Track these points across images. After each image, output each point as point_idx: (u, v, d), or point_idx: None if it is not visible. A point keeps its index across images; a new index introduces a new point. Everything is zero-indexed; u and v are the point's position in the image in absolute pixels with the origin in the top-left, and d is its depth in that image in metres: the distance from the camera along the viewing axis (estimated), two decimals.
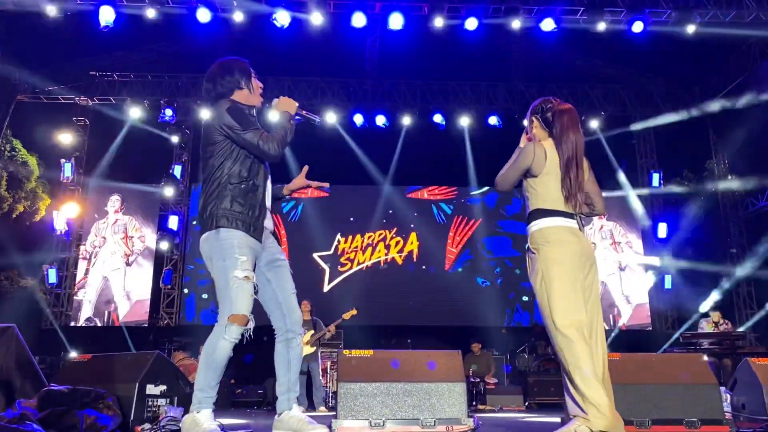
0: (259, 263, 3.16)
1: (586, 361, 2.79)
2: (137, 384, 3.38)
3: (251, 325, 2.95)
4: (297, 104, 3.25)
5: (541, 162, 3.03)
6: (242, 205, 3.04)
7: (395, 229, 13.74)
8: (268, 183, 3.23)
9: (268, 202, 3.21)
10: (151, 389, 3.44)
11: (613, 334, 12.46)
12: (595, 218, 13.48)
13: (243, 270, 2.95)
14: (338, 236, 13.59)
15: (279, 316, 3.17)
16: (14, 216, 12.85)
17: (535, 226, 3.05)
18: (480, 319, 12.66)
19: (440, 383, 3.28)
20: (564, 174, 3.01)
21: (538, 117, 3.18)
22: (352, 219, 13.76)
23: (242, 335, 2.95)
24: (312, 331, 8.59)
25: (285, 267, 3.23)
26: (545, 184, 3.05)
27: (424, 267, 13.54)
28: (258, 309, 3.03)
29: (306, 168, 3.48)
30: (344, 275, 13.37)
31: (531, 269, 3.06)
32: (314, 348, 8.62)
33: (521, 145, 3.23)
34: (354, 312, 8.71)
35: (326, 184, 3.57)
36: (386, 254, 13.58)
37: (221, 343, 2.91)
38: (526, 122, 3.30)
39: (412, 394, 3.26)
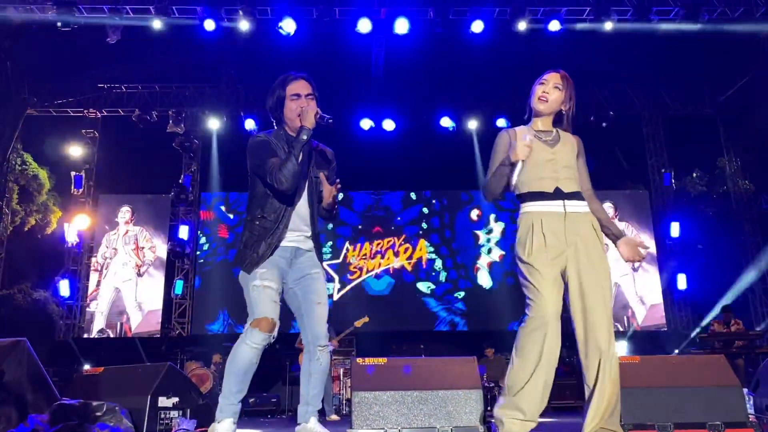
0: (287, 280, 3.10)
1: None
2: (149, 396, 3.35)
3: (276, 332, 2.91)
4: (316, 111, 2.99)
5: None
6: (255, 244, 3.01)
7: (404, 236, 13.63)
8: (301, 206, 3.11)
9: (302, 226, 3.11)
10: (163, 401, 3.40)
11: (628, 335, 12.32)
12: None
13: (261, 279, 2.94)
14: (346, 244, 13.50)
15: (302, 328, 3.12)
16: (26, 229, 12.94)
17: None
18: (493, 323, 12.54)
19: (456, 390, 3.23)
20: None
21: None
22: (360, 227, 13.68)
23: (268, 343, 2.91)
24: None
25: (314, 278, 3.11)
26: None
27: (433, 274, 13.41)
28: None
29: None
30: (353, 283, 13.29)
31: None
32: None
33: None
34: (366, 319, 8.67)
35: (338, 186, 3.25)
36: (395, 261, 13.48)
37: (242, 348, 2.88)
38: None
39: (428, 402, 3.21)
